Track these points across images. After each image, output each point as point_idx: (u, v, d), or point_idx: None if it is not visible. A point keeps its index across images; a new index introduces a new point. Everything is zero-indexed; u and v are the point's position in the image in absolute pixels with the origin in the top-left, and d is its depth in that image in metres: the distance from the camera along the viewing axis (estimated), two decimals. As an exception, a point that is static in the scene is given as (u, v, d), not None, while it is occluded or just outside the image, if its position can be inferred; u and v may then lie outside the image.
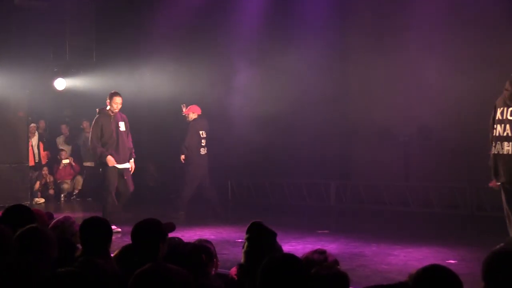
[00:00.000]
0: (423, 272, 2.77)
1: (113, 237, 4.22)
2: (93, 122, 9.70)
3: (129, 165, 9.72)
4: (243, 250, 4.23)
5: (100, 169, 9.70)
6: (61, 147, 15.27)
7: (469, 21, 10.70)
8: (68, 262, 3.67)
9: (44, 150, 14.84)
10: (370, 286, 2.67)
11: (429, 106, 11.25)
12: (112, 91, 9.72)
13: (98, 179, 14.06)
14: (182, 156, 11.04)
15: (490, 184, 7.21)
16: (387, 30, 11.76)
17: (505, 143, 6.83)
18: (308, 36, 12.39)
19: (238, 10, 12.98)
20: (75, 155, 15.22)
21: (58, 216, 5.13)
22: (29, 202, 12.40)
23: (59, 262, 3.53)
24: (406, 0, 11.48)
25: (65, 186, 14.83)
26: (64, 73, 14.92)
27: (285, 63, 12.40)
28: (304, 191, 12.82)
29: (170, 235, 4.11)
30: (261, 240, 4.19)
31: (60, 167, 14.88)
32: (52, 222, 4.86)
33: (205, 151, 11.14)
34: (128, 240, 4.12)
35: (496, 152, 6.92)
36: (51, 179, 14.78)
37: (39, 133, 14.78)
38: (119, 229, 8.93)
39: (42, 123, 15.22)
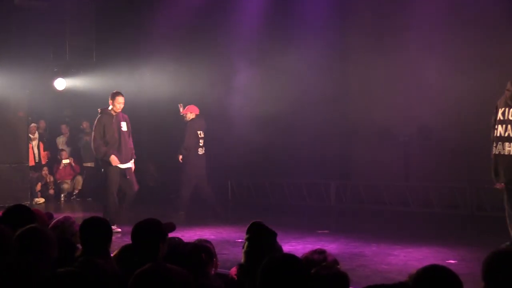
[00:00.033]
0: (423, 272, 2.77)
1: (113, 237, 4.22)
2: (95, 122, 9.65)
3: (131, 164, 9.72)
4: (243, 250, 4.23)
5: (102, 169, 9.68)
6: (61, 147, 15.28)
7: (469, 21, 10.70)
8: (68, 262, 3.67)
9: (44, 150, 14.84)
10: (370, 286, 2.67)
11: (429, 106, 11.25)
12: (114, 91, 9.70)
13: (98, 179, 14.13)
14: (180, 156, 11.04)
15: (496, 186, 7.20)
16: (387, 30, 11.76)
17: (506, 144, 6.83)
18: (308, 36, 12.39)
19: (238, 10, 12.98)
20: (75, 155, 15.22)
21: (58, 216, 5.12)
22: (29, 202, 12.41)
23: (59, 262, 3.52)
24: (406, 0, 11.47)
25: (65, 186, 14.83)
26: (64, 73, 14.92)
27: (285, 63, 12.40)
28: (304, 191, 12.82)
29: (170, 235, 4.11)
30: (261, 240, 4.19)
31: (60, 167, 14.88)
32: (52, 222, 4.86)
33: (203, 151, 11.13)
34: (128, 240, 4.12)
35: (497, 153, 6.92)
36: (51, 179, 14.78)
37: (39, 133, 14.79)
38: (119, 229, 8.93)
39: (42, 123, 15.22)
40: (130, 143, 9.79)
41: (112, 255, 4.11)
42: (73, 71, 14.96)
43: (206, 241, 4.32)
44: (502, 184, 7.02)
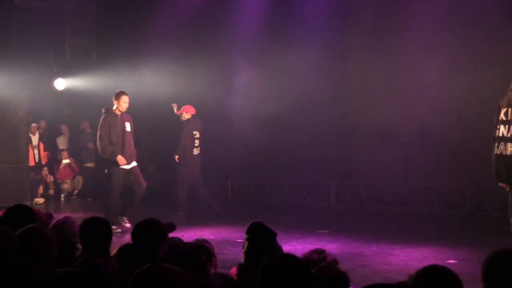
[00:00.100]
0: (423, 272, 2.77)
1: (113, 237, 4.22)
2: (101, 121, 9.56)
3: (135, 163, 9.70)
4: (243, 250, 4.23)
5: (106, 170, 9.63)
6: (61, 147, 15.28)
7: (469, 21, 10.69)
8: (68, 262, 3.67)
9: (44, 150, 14.84)
10: (370, 285, 2.66)
11: (429, 106, 11.24)
12: (118, 91, 9.68)
13: (98, 179, 14.16)
14: (176, 156, 11.06)
15: (500, 185, 7.18)
16: (387, 30, 11.76)
17: (509, 144, 6.81)
18: (308, 36, 12.39)
19: (238, 10, 12.98)
20: (76, 155, 15.22)
21: (58, 216, 5.12)
22: (29, 202, 12.40)
23: (59, 262, 3.52)
24: (406, 0, 11.47)
25: (65, 186, 14.83)
26: (64, 73, 14.92)
27: (285, 63, 12.40)
28: (304, 191, 12.82)
29: (170, 235, 4.11)
30: (261, 240, 4.19)
31: (61, 167, 14.88)
32: (52, 222, 4.85)
33: (198, 151, 11.13)
34: (128, 240, 4.12)
35: (499, 153, 6.90)
36: (51, 179, 14.79)
37: (39, 133, 14.79)
38: (119, 230, 8.94)
39: (42, 123, 15.22)
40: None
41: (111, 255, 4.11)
42: (73, 71, 14.96)
43: (205, 240, 4.32)
44: (504, 184, 7.01)
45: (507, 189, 6.91)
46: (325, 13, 12.27)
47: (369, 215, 11.15)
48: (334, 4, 12.34)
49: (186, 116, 11.16)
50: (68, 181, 14.93)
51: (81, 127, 15.56)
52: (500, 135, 6.90)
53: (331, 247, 7.58)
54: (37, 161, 14.50)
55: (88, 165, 15.23)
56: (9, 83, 13.13)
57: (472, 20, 10.66)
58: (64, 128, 15.70)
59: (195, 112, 11.25)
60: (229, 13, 13.03)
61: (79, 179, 15.02)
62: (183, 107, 11.23)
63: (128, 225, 9.28)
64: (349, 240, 8.29)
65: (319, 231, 9.11)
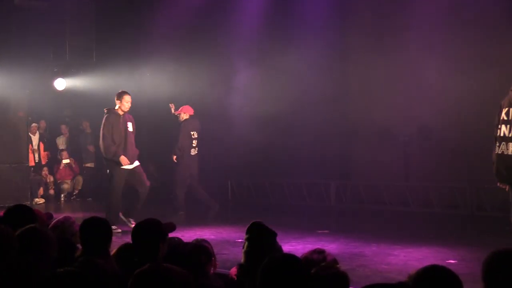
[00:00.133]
0: (423, 272, 2.77)
1: (113, 237, 4.22)
2: (103, 121, 9.51)
3: (138, 163, 9.68)
4: (243, 250, 4.23)
5: (108, 170, 9.61)
6: (61, 147, 15.28)
7: (469, 21, 10.69)
8: (68, 262, 3.67)
9: (44, 150, 14.84)
10: (370, 285, 2.66)
11: (429, 106, 11.24)
12: (120, 91, 9.65)
13: (98, 179, 14.16)
14: (174, 157, 11.07)
15: (498, 185, 7.17)
16: (387, 30, 11.76)
17: (510, 144, 6.80)
18: (308, 36, 12.39)
19: (238, 10, 12.98)
20: (75, 156, 15.22)
21: (58, 216, 5.12)
22: (29, 202, 12.40)
23: (59, 262, 3.52)
24: (406, 0, 11.47)
25: (65, 186, 14.83)
26: (64, 73, 14.92)
27: (285, 63, 12.40)
28: (304, 191, 12.82)
29: (170, 235, 4.11)
30: (261, 240, 4.19)
31: (61, 167, 14.88)
32: (52, 222, 4.85)
33: (196, 152, 11.15)
34: (128, 240, 4.12)
35: (500, 152, 6.89)
36: (51, 179, 14.78)
37: (39, 133, 14.78)
38: (119, 230, 8.94)
39: (43, 123, 15.22)
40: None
41: (110, 254, 4.11)
42: (73, 71, 14.96)
43: (204, 240, 4.32)
44: (504, 184, 7.00)
45: (507, 189, 6.90)
46: (325, 13, 12.27)
47: (369, 215, 11.15)
48: (334, 4, 12.34)
49: (184, 116, 11.17)
50: (68, 181, 14.92)
51: (81, 127, 15.55)
52: (502, 134, 6.89)
53: (331, 247, 7.58)
54: (37, 161, 14.49)
55: (88, 165, 15.22)
56: (9, 83, 13.13)
57: (472, 20, 10.66)
58: (64, 128, 15.69)
59: (193, 113, 11.25)
60: (229, 13, 13.03)
61: (79, 179, 15.02)
62: (181, 108, 11.24)
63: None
64: (349, 240, 8.29)
65: (319, 231, 9.11)
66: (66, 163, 14.89)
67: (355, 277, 5.13)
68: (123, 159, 9.36)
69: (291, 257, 2.93)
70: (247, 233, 4.27)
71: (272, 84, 12.74)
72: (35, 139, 14.49)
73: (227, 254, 7.03)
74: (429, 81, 11.19)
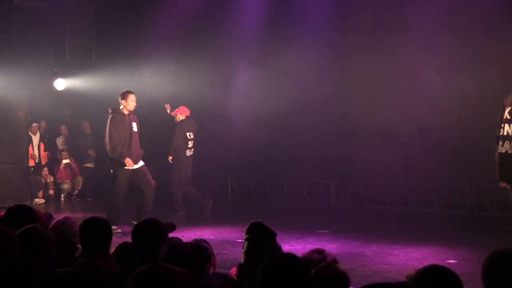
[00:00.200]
0: (423, 272, 2.77)
1: (113, 237, 4.22)
2: (109, 121, 9.46)
3: (142, 163, 9.67)
4: (243, 250, 4.23)
5: (112, 170, 9.56)
6: (61, 148, 15.27)
7: (469, 21, 10.69)
8: (68, 262, 3.67)
9: (44, 151, 14.83)
10: (370, 285, 2.66)
11: (429, 106, 11.24)
12: (124, 90, 9.63)
13: (98, 179, 14.15)
14: (170, 157, 11.07)
15: (500, 185, 7.17)
16: (387, 30, 11.76)
17: None
18: (308, 36, 12.39)
19: (238, 10, 12.98)
20: (75, 156, 15.21)
21: (58, 217, 5.12)
22: (29, 202, 12.39)
23: (59, 262, 3.52)
24: (406, 0, 11.47)
25: (65, 186, 14.83)
26: (64, 73, 14.92)
27: (285, 63, 12.40)
28: (304, 191, 12.82)
29: (170, 235, 4.11)
30: (261, 240, 4.19)
31: (61, 167, 14.88)
32: (52, 223, 4.85)
33: (191, 153, 11.14)
34: (128, 240, 4.12)
35: (503, 151, 6.88)
36: (51, 179, 14.78)
37: (40, 134, 14.78)
38: (119, 230, 8.93)
39: (43, 123, 15.21)
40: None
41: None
42: (73, 71, 14.96)
43: (203, 240, 4.32)
44: (505, 183, 7.00)
45: (507, 187, 6.90)
46: (325, 13, 12.28)
47: (369, 215, 11.14)
48: (334, 4, 12.35)
49: (180, 117, 11.16)
50: (68, 181, 14.92)
51: (81, 127, 15.55)
52: (505, 134, 6.88)
53: (331, 247, 7.58)
54: (37, 161, 14.49)
55: (88, 165, 15.22)
56: (9, 83, 13.13)
57: (472, 20, 10.66)
58: (63, 128, 15.69)
59: (190, 113, 11.24)
60: (229, 13, 13.03)
61: (79, 179, 15.02)
62: (177, 108, 11.23)
63: None
64: (349, 240, 8.28)
65: (319, 231, 9.11)
66: (66, 163, 14.89)
67: (355, 277, 5.13)
68: (128, 160, 9.34)
69: (291, 257, 2.93)
70: (247, 233, 4.27)
71: (272, 84, 12.74)
72: (35, 139, 14.49)
73: (227, 254, 7.02)
74: (429, 81, 11.19)
